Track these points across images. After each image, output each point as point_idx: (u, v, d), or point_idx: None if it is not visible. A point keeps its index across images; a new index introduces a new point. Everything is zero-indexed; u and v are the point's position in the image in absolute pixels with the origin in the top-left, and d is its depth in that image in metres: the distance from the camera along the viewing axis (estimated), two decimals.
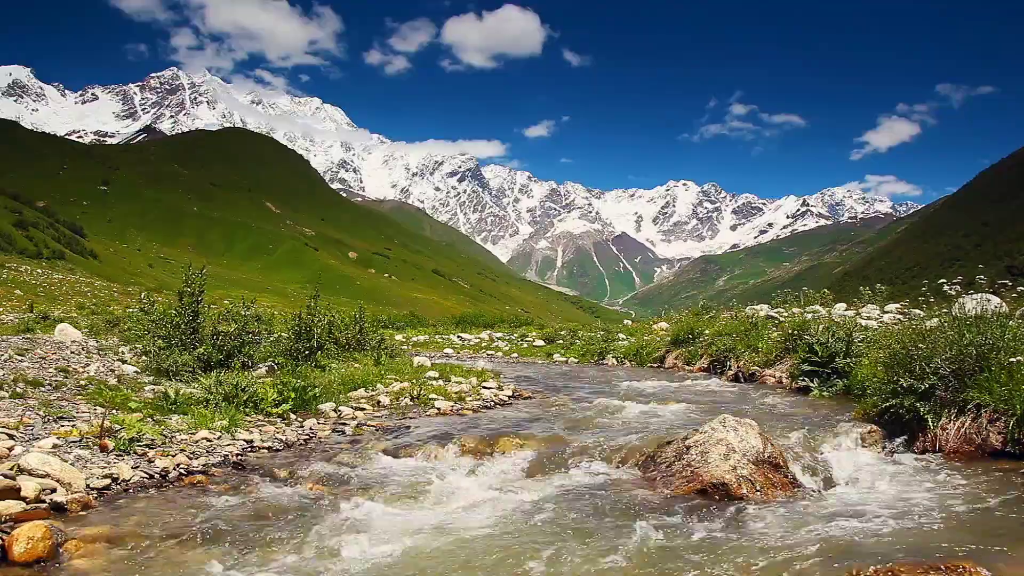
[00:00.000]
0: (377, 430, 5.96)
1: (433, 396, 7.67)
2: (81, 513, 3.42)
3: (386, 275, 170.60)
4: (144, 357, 8.28)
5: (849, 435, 5.10)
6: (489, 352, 19.88)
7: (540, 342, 20.72)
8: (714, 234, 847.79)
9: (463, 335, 25.08)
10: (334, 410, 6.61)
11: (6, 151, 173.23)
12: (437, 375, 9.42)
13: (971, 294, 6.72)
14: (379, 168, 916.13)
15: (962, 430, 4.71)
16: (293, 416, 6.18)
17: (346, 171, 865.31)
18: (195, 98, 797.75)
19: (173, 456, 4.45)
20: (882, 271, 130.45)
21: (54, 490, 3.49)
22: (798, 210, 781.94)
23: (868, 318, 10.45)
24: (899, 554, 2.86)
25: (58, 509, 3.37)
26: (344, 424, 6.11)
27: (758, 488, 3.99)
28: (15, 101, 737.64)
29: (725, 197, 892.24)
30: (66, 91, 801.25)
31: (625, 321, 26.10)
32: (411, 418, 6.67)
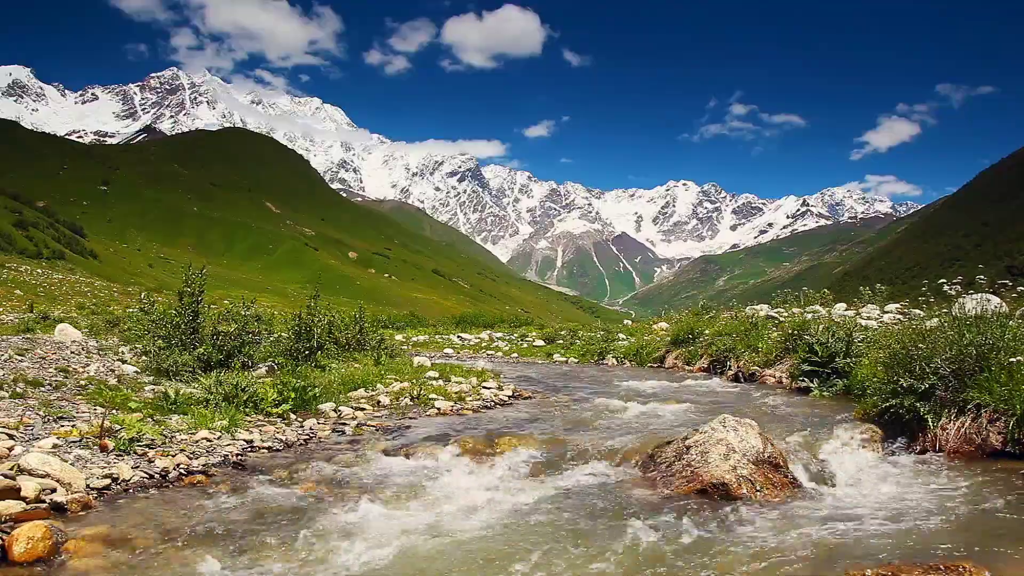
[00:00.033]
0: (377, 430, 5.96)
1: (433, 396, 7.67)
2: (81, 513, 3.42)
3: (386, 275, 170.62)
4: (144, 357, 8.28)
5: (849, 435, 5.10)
6: (489, 352, 19.88)
7: (540, 342, 20.72)
8: (714, 234, 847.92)
9: (463, 335, 25.08)
10: (334, 410, 6.61)
11: (6, 151, 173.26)
12: (437, 375, 9.42)
13: (971, 294, 6.72)
14: (379, 168, 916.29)
15: (962, 430, 4.71)
16: (293, 416, 6.18)
17: (346, 171, 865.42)
18: (195, 98, 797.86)
19: (173, 456, 4.45)
20: (882, 271, 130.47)
21: (54, 490, 3.49)
22: (798, 210, 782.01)
23: (868, 318, 10.45)
24: (899, 554, 2.86)
25: (58, 509, 3.37)
26: (344, 424, 6.11)
27: (758, 488, 3.99)
28: (15, 101, 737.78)
29: (725, 197, 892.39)
30: (66, 91, 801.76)
31: (625, 321, 26.10)
32: (411, 418, 6.67)
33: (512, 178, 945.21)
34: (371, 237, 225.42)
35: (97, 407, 5.58)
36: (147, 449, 4.50)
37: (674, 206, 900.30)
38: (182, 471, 4.28)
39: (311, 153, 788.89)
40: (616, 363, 15.04)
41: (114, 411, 5.28)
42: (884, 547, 3.00)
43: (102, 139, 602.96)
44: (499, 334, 24.86)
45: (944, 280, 7.23)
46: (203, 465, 4.44)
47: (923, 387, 4.93)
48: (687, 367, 13.03)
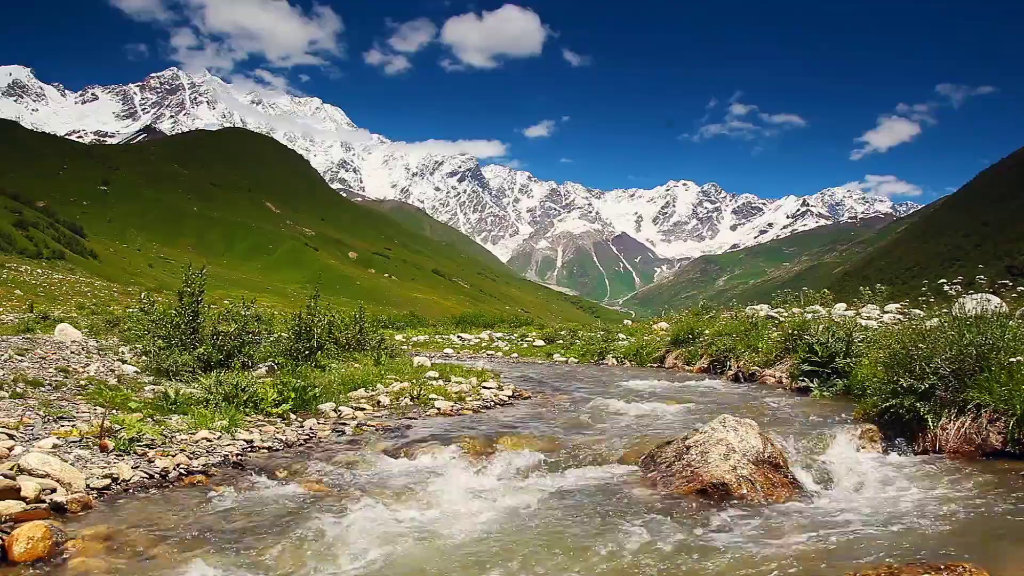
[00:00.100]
0: (377, 430, 5.96)
1: (433, 396, 7.67)
2: (81, 513, 3.42)
3: (386, 275, 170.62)
4: (144, 357, 8.28)
5: (849, 435, 5.10)
6: (489, 352, 19.88)
7: (540, 342, 20.72)
8: (714, 234, 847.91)
9: (463, 335, 25.08)
10: (334, 410, 6.61)
11: (6, 151, 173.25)
12: (437, 375, 9.42)
13: (971, 294, 6.72)
14: (379, 168, 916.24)
15: (962, 430, 4.71)
16: (293, 416, 6.18)
17: (346, 171, 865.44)
18: (195, 98, 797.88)
19: (173, 456, 4.45)
20: (882, 271, 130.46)
21: (54, 490, 3.48)
22: (798, 210, 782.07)
23: (868, 318, 10.45)
24: (899, 554, 2.86)
25: (58, 509, 3.37)
26: (344, 424, 6.11)
27: (758, 488, 3.99)
28: (15, 101, 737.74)
29: (725, 197, 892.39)
30: (66, 91, 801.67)
31: (625, 321, 26.10)
32: (411, 418, 6.67)
33: (512, 178, 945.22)
34: (371, 237, 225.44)
35: (97, 407, 5.58)
36: (147, 449, 4.49)
37: (674, 206, 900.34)
38: (182, 471, 4.28)
39: (311, 153, 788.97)
40: (616, 363, 15.04)
41: (114, 411, 5.28)
42: (884, 547, 3.00)
43: (102, 139, 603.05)
44: (499, 334, 24.86)
45: (944, 280, 7.23)
46: (203, 465, 4.44)
47: (923, 387, 4.93)
48: (687, 367, 13.04)
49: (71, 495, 3.50)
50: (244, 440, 5.15)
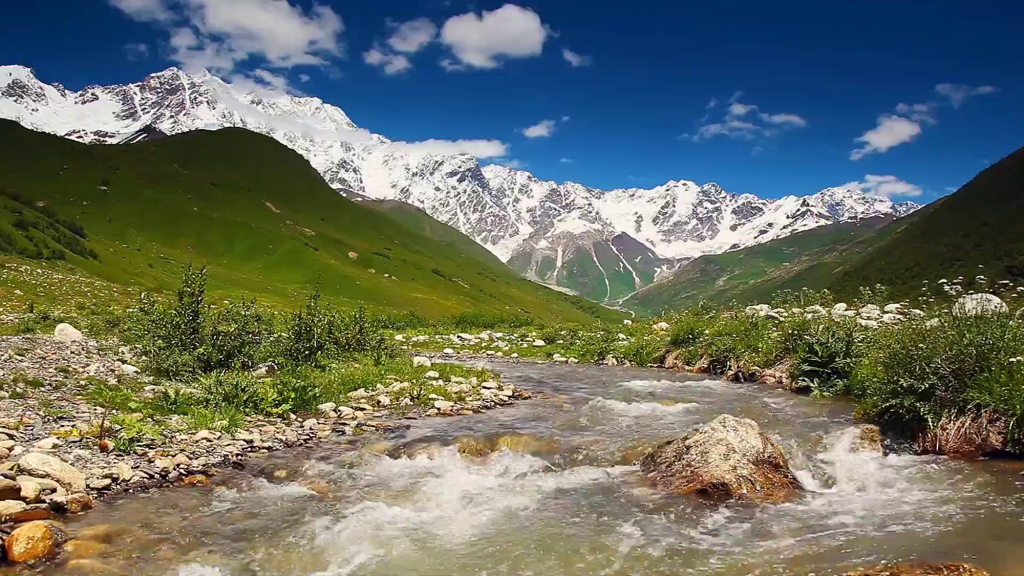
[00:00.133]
0: (377, 430, 5.96)
1: (433, 396, 7.67)
2: (81, 513, 3.42)
3: (386, 275, 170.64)
4: (144, 357, 8.28)
5: (849, 435, 5.09)
6: (489, 352, 19.88)
7: (540, 342, 20.72)
8: (714, 234, 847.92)
9: (463, 335, 25.08)
10: (334, 410, 6.61)
11: (6, 151, 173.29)
12: (437, 375, 9.42)
13: (971, 294, 6.71)
14: (379, 168, 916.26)
15: (962, 430, 4.71)
16: (293, 416, 6.18)
17: (346, 171, 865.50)
18: (195, 98, 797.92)
19: (173, 456, 4.45)
20: (882, 271, 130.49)
21: (54, 490, 3.48)
22: (798, 210, 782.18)
23: (868, 318, 10.45)
24: (899, 554, 2.86)
25: (58, 509, 3.37)
26: (344, 424, 6.11)
27: (758, 488, 3.99)
28: (15, 101, 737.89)
29: (725, 197, 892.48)
30: (66, 91, 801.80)
31: (625, 321, 26.10)
32: (411, 418, 6.67)
33: (512, 178, 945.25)
34: (371, 237, 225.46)
35: (97, 407, 5.58)
36: (147, 449, 4.49)
37: (674, 206, 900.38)
38: (182, 471, 4.27)
39: (311, 153, 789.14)
40: (616, 363, 15.03)
41: (114, 411, 5.28)
42: (884, 547, 3.00)
43: (102, 139, 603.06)
44: (499, 334, 24.87)
45: (944, 280, 7.22)
46: (203, 465, 4.44)
47: (923, 387, 4.93)
48: (687, 367, 13.03)
49: (71, 495, 3.50)
50: (244, 440, 5.14)
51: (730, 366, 11.24)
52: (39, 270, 64.52)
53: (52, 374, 7.13)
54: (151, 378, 7.51)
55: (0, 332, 14.30)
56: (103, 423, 4.64)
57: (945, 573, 2.59)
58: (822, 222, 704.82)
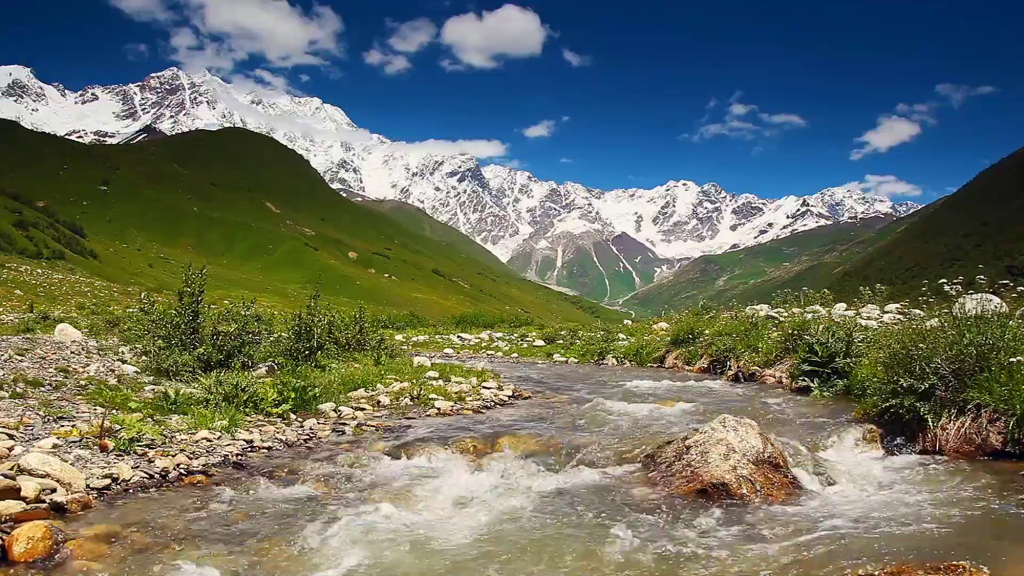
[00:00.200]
0: (377, 430, 5.96)
1: (433, 396, 7.67)
2: (81, 513, 3.42)
3: (386, 275, 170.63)
4: (144, 357, 8.28)
5: (849, 435, 5.10)
6: (489, 352, 19.88)
7: (540, 342, 20.72)
8: (714, 234, 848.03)
9: (463, 335, 25.08)
10: (334, 410, 6.61)
11: (6, 151, 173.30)
12: (437, 375, 9.42)
13: (971, 294, 6.71)
14: (379, 168, 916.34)
15: (962, 430, 4.71)
16: (293, 416, 6.17)
17: (346, 171, 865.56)
18: (195, 98, 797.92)
19: (173, 456, 4.45)
20: (882, 271, 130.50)
21: (54, 490, 3.48)
22: (798, 210, 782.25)
23: (868, 318, 10.45)
24: (899, 554, 2.86)
25: (58, 509, 3.36)
26: (344, 424, 6.11)
27: (758, 488, 3.99)
28: (15, 101, 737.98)
29: (725, 197, 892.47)
30: (66, 91, 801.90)
31: (625, 321, 26.10)
32: (411, 418, 6.67)
33: (512, 178, 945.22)
34: (371, 237, 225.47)
35: (97, 407, 5.58)
36: (147, 449, 4.49)
37: (674, 206, 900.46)
38: (182, 471, 4.27)
39: (311, 153, 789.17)
40: (616, 363, 15.03)
41: (114, 411, 5.28)
42: (884, 547, 3.00)
43: (102, 139, 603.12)
44: (499, 334, 24.87)
45: (944, 280, 7.21)
46: (203, 465, 4.44)
47: (923, 387, 4.93)
48: (687, 367, 13.03)
49: (71, 495, 3.50)
50: (244, 440, 5.14)
51: (730, 366, 11.24)
52: (39, 270, 64.53)
53: (52, 374, 7.13)
54: (151, 378, 7.51)
55: (0, 332, 14.30)
56: (103, 423, 4.64)
57: (945, 573, 2.59)
58: (822, 222, 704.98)
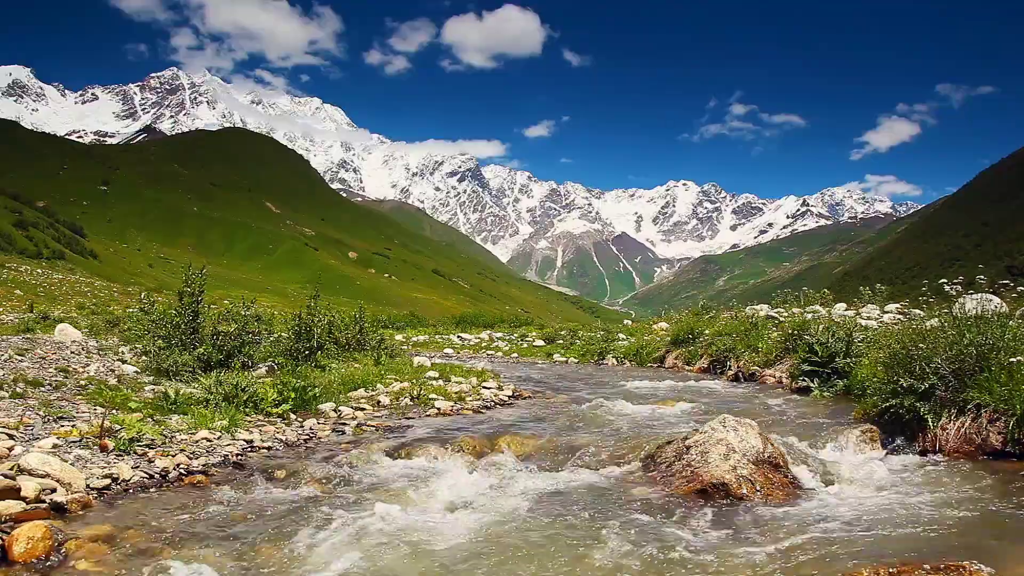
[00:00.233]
0: (377, 430, 5.96)
1: (433, 396, 7.67)
2: (81, 513, 3.42)
3: (386, 275, 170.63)
4: (144, 357, 8.28)
5: (849, 435, 5.09)
6: (489, 352, 19.89)
7: (540, 342, 20.72)
8: (714, 234, 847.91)
9: (463, 335, 25.08)
10: (334, 410, 6.61)
11: (6, 151, 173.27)
12: (437, 375, 9.42)
13: (971, 294, 6.71)
14: (379, 168, 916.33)
15: (962, 430, 4.71)
16: (293, 416, 6.18)
17: (346, 171, 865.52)
18: (195, 98, 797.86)
19: (173, 456, 4.45)
20: (882, 271, 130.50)
21: (54, 490, 3.48)
22: (798, 210, 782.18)
23: (868, 318, 10.45)
24: (899, 554, 2.86)
25: (58, 509, 3.36)
26: (344, 424, 6.11)
27: (758, 488, 3.99)
28: (15, 101, 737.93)
29: (725, 197, 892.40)
30: (66, 91, 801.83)
31: (625, 321, 26.10)
32: (411, 418, 6.67)
33: (512, 178, 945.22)
34: (371, 237, 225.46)
35: (97, 407, 5.58)
36: (147, 449, 4.49)
37: (674, 206, 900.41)
38: (182, 471, 4.27)
39: (311, 153, 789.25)
40: (616, 363, 15.04)
41: (114, 411, 5.28)
42: (884, 547, 3.00)
43: (102, 139, 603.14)
44: (499, 334, 24.87)
45: (944, 280, 7.21)
46: (203, 465, 4.43)
47: (923, 387, 4.93)
48: (687, 367, 13.04)
49: (71, 495, 3.50)
50: (244, 440, 5.14)
51: (730, 366, 11.25)
52: (39, 270, 64.53)
53: (52, 374, 7.13)
54: (151, 378, 7.51)
55: (0, 332, 14.30)
56: (103, 423, 4.64)
57: (945, 573, 2.59)
58: (822, 222, 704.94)
